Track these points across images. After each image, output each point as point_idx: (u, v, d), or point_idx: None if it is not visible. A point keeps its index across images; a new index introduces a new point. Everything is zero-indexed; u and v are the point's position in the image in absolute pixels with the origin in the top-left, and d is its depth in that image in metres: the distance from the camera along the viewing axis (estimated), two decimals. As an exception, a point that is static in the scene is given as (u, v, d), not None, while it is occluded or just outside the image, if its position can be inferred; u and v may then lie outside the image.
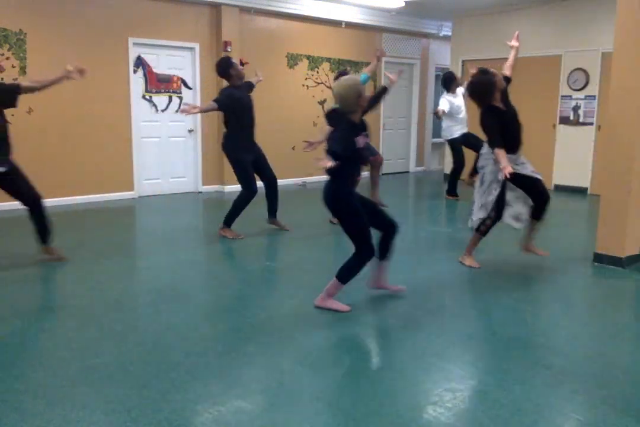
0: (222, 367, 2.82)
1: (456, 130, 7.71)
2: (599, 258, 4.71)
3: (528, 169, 4.36)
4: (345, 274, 3.52)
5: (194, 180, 8.52)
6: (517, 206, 4.44)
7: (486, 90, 4.23)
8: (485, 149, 4.41)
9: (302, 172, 9.47)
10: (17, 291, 3.96)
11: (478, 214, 4.43)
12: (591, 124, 8.43)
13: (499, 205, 4.36)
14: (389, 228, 3.66)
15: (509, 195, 4.38)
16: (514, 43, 4.64)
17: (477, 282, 4.21)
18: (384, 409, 2.43)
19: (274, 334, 3.25)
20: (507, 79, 4.42)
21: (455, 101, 7.61)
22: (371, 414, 2.39)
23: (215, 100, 5.27)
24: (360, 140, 3.44)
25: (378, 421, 2.34)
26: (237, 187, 5.81)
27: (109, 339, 3.17)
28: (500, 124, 4.22)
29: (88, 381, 2.64)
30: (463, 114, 7.66)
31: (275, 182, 5.73)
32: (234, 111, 5.30)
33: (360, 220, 3.47)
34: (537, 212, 4.49)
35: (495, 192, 4.30)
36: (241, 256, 5.05)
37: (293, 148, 9.33)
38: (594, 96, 8.36)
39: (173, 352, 2.97)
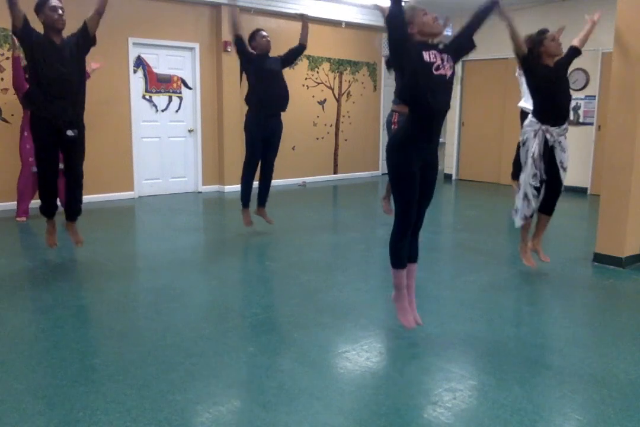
0: (222, 367, 2.82)
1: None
2: (599, 258, 4.71)
3: (561, 156, 4.19)
4: (395, 256, 3.03)
5: (194, 180, 8.52)
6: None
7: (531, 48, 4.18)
8: (527, 120, 4.26)
9: (302, 172, 9.48)
10: (16, 291, 3.96)
11: (522, 208, 4.20)
12: (591, 124, 8.43)
13: (538, 182, 4.13)
14: (412, 230, 3.12)
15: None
16: (594, 17, 4.46)
17: (477, 282, 4.20)
18: (383, 409, 2.43)
19: (274, 334, 3.26)
20: (575, 51, 4.35)
21: None
22: (371, 414, 2.39)
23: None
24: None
25: (378, 421, 2.34)
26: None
27: (109, 339, 3.17)
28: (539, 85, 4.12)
29: (88, 381, 2.64)
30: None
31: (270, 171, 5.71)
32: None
33: (403, 188, 2.89)
34: (547, 206, 4.36)
35: (530, 156, 4.08)
36: (241, 255, 5.04)
37: (293, 148, 9.33)
38: (594, 96, 8.36)
39: (173, 352, 2.97)
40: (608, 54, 7.16)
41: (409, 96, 2.87)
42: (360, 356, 2.98)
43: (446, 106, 2.91)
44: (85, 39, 4.29)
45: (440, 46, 2.88)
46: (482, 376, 2.76)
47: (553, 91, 4.14)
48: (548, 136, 4.11)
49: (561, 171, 4.25)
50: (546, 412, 2.43)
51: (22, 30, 4.01)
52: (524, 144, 4.21)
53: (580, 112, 8.50)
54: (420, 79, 2.78)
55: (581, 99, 8.40)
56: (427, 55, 2.76)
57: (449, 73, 2.82)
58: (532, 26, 9.12)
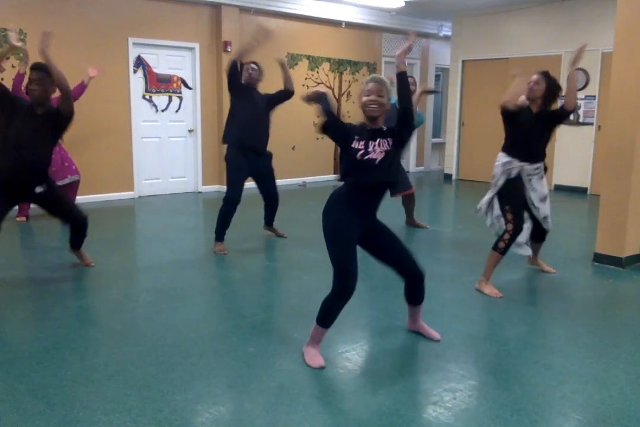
0: (222, 367, 2.82)
1: None
2: (599, 258, 4.71)
3: (537, 199, 4.09)
4: (322, 315, 2.86)
5: (194, 180, 8.52)
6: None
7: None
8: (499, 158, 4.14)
9: (302, 172, 9.48)
10: (16, 291, 3.96)
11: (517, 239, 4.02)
12: (591, 124, 8.43)
13: (517, 215, 3.95)
14: (413, 277, 3.05)
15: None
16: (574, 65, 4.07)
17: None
18: (384, 409, 2.43)
19: (274, 334, 3.26)
20: (562, 111, 3.98)
21: None
22: (371, 414, 2.39)
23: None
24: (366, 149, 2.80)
25: (378, 421, 2.34)
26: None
27: (109, 339, 3.17)
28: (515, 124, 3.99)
29: (88, 381, 2.64)
30: None
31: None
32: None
33: (338, 248, 2.81)
34: (538, 235, 4.31)
35: (507, 197, 4.00)
36: (241, 256, 5.04)
37: (293, 148, 9.34)
38: (594, 96, 8.36)
39: (173, 352, 2.97)
40: (608, 54, 7.16)
41: (342, 172, 2.94)
42: (360, 356, 2.98)
43: (377, 180, 2.88)
44: (60, 121, 4.05)
45: (383, 128, 2.86)
46: (482, 376, 2.76)
47: (527, 135, 4.02)
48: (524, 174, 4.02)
49: (546, 214, 4.16)
50: (546, 412, 2.43)
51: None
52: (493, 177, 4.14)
53: (580, 112, 8.51)
54: (349, 161, 2.85)
55: (581, 99, 8.40)
56: (355, 143, 2.81)
57: (379, 157, 2.80)
58: (532, 26, 9.18)
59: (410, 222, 6.27)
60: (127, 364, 2.82)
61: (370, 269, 4.62)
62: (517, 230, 3.94)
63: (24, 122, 3.94)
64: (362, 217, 2.90)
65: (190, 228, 6.18)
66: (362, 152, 2.79)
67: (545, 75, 3.97)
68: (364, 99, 2.81)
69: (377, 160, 2.79)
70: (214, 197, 8.12)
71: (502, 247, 3.97)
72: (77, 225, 4.32)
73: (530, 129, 3.98)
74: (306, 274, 4.39)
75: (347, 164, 2.87)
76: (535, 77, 3.97)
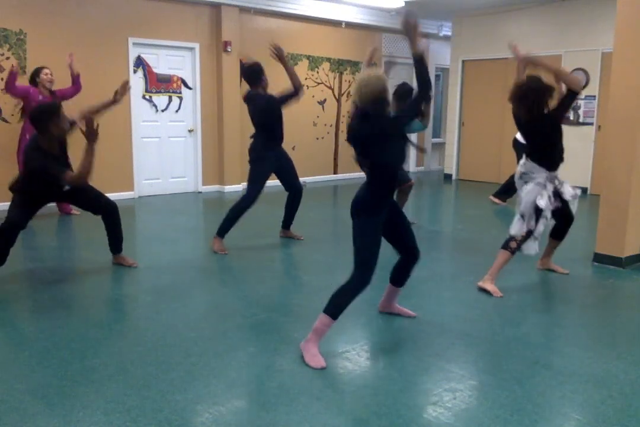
0: (222, 367, 2.82)
1: None
2: (599, 258, 4.71)
3: (566, 192, 4.06)
4: (334, 306, 2.91)
5: (194, 180, 8.52)
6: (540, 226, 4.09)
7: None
8: (523, 165, 4.08)
9: (302, 172, 9.47)
10: (16, 291, 3.96)
11: (517, 227, 3.99)
12: (591, 124, 8.43)
13: (538, 222, 3.95)
14: (409, 254, 3.24)
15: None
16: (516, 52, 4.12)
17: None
18: (384, 409, 2.43)
19: (274, 334, 3.25)
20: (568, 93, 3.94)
21: None
22: (371, 414, 2.39)
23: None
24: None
25: (378, 421, 2.34)
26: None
27: (109, 339, 3.17)
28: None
29: (88, 381, 2.64)
30: None
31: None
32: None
33: (370, 244, 2.92)
34: (559, 232, 4.33)
35: (540, 199, 3.91)
36: (241, 256, 5.04)
37: (293, 148, 9.32)
38: (594, 96, 8.36)
39: (173, 352, 2.97)
40: (608, 54, 7.16)
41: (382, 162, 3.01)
42: (360, 356, 2.98)
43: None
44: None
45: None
46: (482, 376, 2.76)
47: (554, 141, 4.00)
48: (556, 183, 4.01)
49: (570, 203, 4.16)
50: (546, 412, 2.43)
51: None
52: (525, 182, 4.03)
53: (580, 112, 8.51)
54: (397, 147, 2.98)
55: (581, 99, 8.40)
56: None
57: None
58: (532, 26, 9.17)
59: None
60: (127, 364, 2.82)
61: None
62: (531, 233, 3.95)
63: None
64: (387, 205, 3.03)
65: (190, 228, 6.18)
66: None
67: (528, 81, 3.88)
68: None
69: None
70: (214, 197, 8.12)
71: (513, 247, 3.98)
72: (108, 213, 4.40)
73: (547, 134, 3.95)
74: (306, 274, 4.39)
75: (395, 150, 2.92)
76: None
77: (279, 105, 5.04)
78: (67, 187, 4.17)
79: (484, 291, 3.98)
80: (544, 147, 3.99)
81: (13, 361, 2.86)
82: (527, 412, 2.42)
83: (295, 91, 5.02)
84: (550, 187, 3.98)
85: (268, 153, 5.07)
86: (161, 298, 3.83)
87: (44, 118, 3.92)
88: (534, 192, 3.95)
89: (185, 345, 3.06)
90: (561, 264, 4.69)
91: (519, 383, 2.67)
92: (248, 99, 5.17)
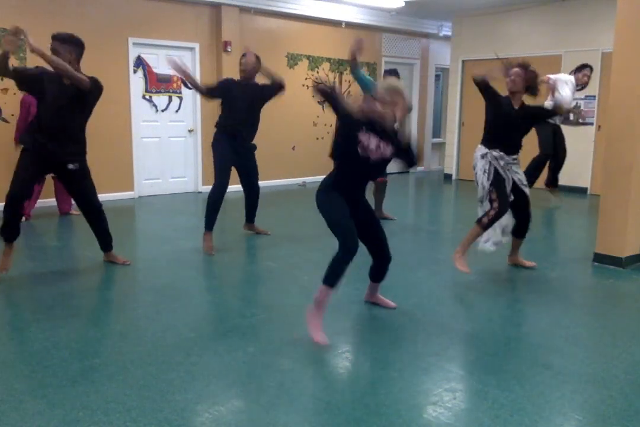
0: (222, 367, 2.82)
1: None
2: (599, 258, 4.70)
3: (517, 177, 4.23)
4: (329, 275, 3.09)
5: (194, 180, 8.52)
6: (506, 216, 4.23)
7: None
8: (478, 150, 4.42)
9: (302, 172, 9.47)
10: (16, 291, 3.96)
11: (492, 236, 4.25)
12: (591, 124, 8.43)
13: (501, 194, 4.09)
14: (382, 259, 3.42)
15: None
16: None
17: (477, 282, 4.20)
18: (383, 409, 2.43)
19: (274, 334, 3.25)
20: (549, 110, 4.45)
21: None
22: (371, 414, 2.39)
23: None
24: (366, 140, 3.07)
25: (378, 421, 2.34)
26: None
27: (109, 339, 3.17)
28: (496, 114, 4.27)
29: (88, 381, 2.64)
30: None
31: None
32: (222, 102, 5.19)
33: (334, 213, 3.13)
34: (519, 230, 4.38)
35: (487, 178, 4.15)
36: (241, 256, 5.04)
37: (293, 148, 9.34)
38: (594, 96, 8.36)
39: (173, 352, 2.97)
40: (608, 54, 7.16)
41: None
42: (360, 356, 2.98)
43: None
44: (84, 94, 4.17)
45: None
46: (482, 376, 2.76)
47: (508, 127, 4.28)
48: (501, 163, 4.18)
49: (526, 191, 4.27)
50: (546, 412, 2.43)
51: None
52: (473, 167, 4.35)
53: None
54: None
55: (581, 99, 8.40)
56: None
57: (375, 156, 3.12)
58: (532, 26, 9.17)
59: (379, 215, 6.24)
60: (127, 364, 2.82)
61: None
62: (503, 208, 4.08)
63: (54, 97, 4.06)
64: (350, 195, 3.22)
65: (190, 228, 6.18)
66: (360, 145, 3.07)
67: (523, 67, 4.10)
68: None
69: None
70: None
71: (485, 222, 4.11)
72: (89, 212, 4.41)
73: (510, 122, 4.23)
74: (306, 274, 4.39)
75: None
76: (515, 69, 4.14)
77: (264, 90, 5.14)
78: (72, 166, 4.20)
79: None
80: (499, 131, 4.33)
81: (13, 361, 2.86)
82: (527, 412, 2.41)
83: (278, 85, 5.14)
84: (497, 164, 4.17)
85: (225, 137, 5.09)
86: (161, 298, 3.83)
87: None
88: (481, 169, 4.21)
89: (185, 345, 3.06)
90: (561, 264, 4.70)
91: (519, 383, 2.67)
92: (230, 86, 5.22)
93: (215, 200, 5.02)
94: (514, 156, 4.24)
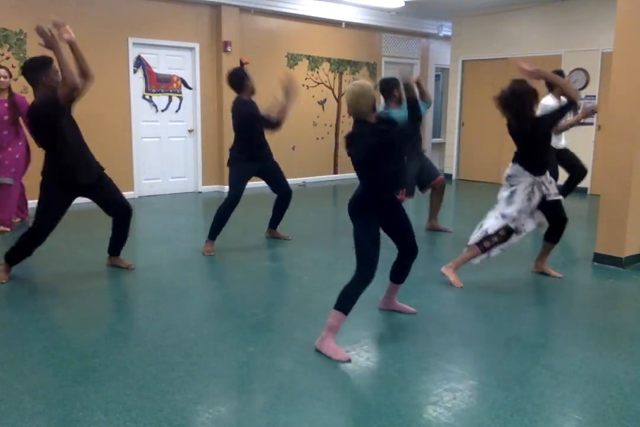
0: (222, 367, 2.82)
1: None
2: (599, 258, 4.70)
3: (552, 192, 4.11)
4: (343, 301, 3.04)
5: (194, 180, 8.51)
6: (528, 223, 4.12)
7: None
8: (510, 168, 4.15)
9: (302, 172, 9.47)
10: (16, 291, 3.96)
11: (491, 224, 4.02)
12: (591, 124, 8.43)
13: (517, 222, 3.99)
14: (409, 251, 3.33)
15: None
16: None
17: (477, 282, 4.20)
18: (384, 409, 2.43)
19: (274, 334, 3.26)
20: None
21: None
22: (371, 414, 2.39)
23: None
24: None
25: (378, 421, 2.34)
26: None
27: (109, 339, 3.17)
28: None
29: (88, 381, 2.64)
30: None
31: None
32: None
33: (368, 240, 3.05)
34: (553, 234, 4.27)
35: (528, 202, 3.97)
36: (241, 256, 5.04)
37: (293, 148, 9.33)
38: (594, 96, 8.36)
39: (173, 352, 2.97)
40: (608, 54, 7.15)
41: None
42: (360, 356, 2.98)
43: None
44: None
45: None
46: (482, 376, 2.76)
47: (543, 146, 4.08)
48: (543, 189, 4.06)
49: (559, 198, 4.17)
50: (546, 412, 2.43)
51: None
52: (514, 192, 4.05)
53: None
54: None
55: (581, 99, 8.39)
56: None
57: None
58: (532, 26, 9.17)
59: (432, 225, 5.99)
60: (127, 364, 2.82)
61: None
62: (507, 237, 3.99)
63: (70, 121, 4.00)
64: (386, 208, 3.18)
65: (190, 228, 6.18)
66: None
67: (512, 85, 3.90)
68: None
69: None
70: (214, 197, 8.11)
71: (487, 246, 4.04)
72: (121, 216, 4.32)
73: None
74: (306, 274, 4.39)
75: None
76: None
77: (255, 116, 4.90)
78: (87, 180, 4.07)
79: (444, 276, 4.14)
80: (531, 152, 4.03)
81: (13, 361, 2.86)
82: (527, 412, 2.41)
83: (277, 124, 4.94)
84: (537, 194, 4.02)
85: (245, 156, 5.02)
86: (161, 298, 3.82)
87: (35, 68, 3.88)
88: (522, 195, 4.00)
89: (185, 345, 3.06)
90: (561, 264, 4.69)
91: (519, 383, 2.67)
92: (232, 105, 5.08)
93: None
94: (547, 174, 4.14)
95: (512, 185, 4.08)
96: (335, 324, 2.99)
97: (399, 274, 3.44)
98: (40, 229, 4.03)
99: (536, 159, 4.05)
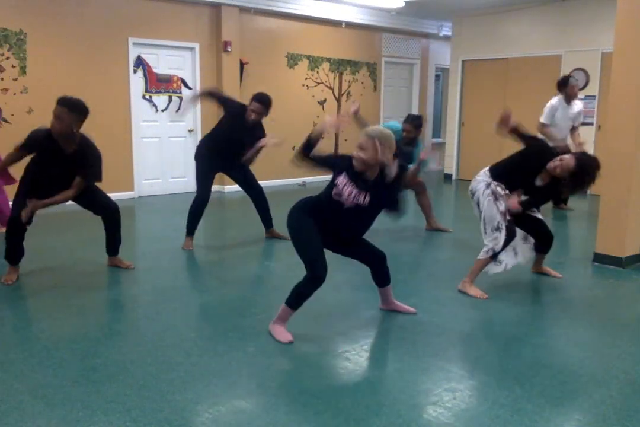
0: (222, 367, 2.82)
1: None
2: (599, 258, 4.70)
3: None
4: (292, 297, 3.09)
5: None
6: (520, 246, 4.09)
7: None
8: (481, 174, 4.32)
9: (302, 172, 9.46)
10: (16, 291, 3.96)
11: (491, 240, 3.93)
12: (591, 124, 8.43)
13: (510, 225, 3.91)
14: (375, 261, 3.38)
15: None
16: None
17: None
18: (384, 409, 2.43)
19: (274, 334, 3.25)
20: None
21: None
22: (371, 414, 2.39)
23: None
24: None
25: (378, 421, 2.34)
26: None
27: (109, 339, 3.17)
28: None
29: (88, 381, 2.64)
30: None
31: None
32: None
33: (302, 236, 3.13)
34: (543, 248, 4.25)
35: (500, 206, 3.94)
36: (241, 256, 5.04)
37: (293, 148, 9.30)
38: (594, 96, 8.37)
39: (173, 352, 2.97)
40: (608, 54, 7.16)
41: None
42: (360, 356, 2.98)
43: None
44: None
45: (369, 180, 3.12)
46: (482, 376, 2.76)
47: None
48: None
49: (540, 217, 4.16)
50: (546, 412, 2.43)
51: None
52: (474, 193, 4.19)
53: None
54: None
55: (581, 99, 8.40)
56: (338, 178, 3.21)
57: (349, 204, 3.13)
58: (532, 26, 9.17)
59: (431, 225, 5.95)
60: (127, 364, 2.82)
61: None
62: (511, 235, 3.90)
63: (53, 162, 4.00)
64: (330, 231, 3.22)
65: (190, 228, 6.17)
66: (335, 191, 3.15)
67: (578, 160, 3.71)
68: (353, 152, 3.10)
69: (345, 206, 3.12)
70: (213, 197, 8.08)
71: (496, 250, 3.93)
72: (109, 215, 4.36)
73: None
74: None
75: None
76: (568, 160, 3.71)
77: (257, 138, 5.04)
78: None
79: (465, 294, 3.92)
80: (515, 170, 4.16)
81: (13, 361, 2.86)
82: (527, 412, 2.41)
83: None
84: (499, 197, 4.01)
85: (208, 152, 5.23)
86: (161, 298, 3.82)
87: (84, 114, 4.13)
88: (486, 199, 4.07)
89: (185, 345, 3.06)
90: (561, 264, 4.69)
91: (519, 383, 2.66)
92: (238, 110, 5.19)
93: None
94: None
95: (472, 195, 4.20)
96: (285, 316, 3.14)
97: (378, 279, 3.46)
98: (11, 221, 4.03)
99: (512, 176, 4.09)
